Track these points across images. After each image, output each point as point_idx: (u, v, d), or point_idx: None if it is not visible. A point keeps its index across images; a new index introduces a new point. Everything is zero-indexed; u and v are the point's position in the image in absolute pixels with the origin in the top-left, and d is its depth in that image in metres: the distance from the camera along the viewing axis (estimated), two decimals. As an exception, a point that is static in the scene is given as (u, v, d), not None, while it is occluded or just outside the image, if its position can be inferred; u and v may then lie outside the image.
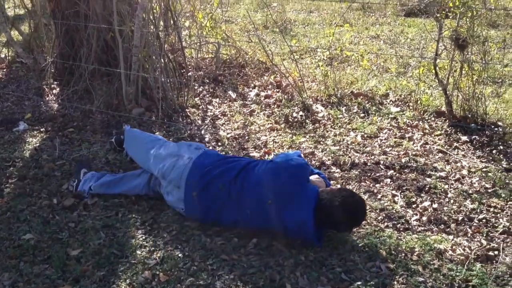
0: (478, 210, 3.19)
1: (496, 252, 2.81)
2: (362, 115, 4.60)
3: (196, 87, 5.24)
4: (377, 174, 3.62)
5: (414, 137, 4.17)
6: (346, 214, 2.76)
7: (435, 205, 3.24)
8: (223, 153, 3.90)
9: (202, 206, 2.97)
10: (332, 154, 3.89)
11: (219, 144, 4.12)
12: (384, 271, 2.66)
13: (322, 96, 4.96)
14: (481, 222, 3.08)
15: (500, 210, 3.19)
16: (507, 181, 3.49)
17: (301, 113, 4.62)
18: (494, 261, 2.75)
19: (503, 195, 3.33)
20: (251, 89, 5.30)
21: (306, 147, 4.04)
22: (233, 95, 5.14)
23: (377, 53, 6.42)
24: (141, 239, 2.94)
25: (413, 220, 3.11)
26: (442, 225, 3.06)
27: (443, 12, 4.18)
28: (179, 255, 2.79)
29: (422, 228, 3.04)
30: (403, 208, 3.23)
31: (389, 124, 4.40)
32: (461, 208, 3.21)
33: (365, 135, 4.22)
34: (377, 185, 3.50)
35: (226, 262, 2.73)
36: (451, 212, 3.17)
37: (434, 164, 3.74)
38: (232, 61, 5.89)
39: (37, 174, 3.64)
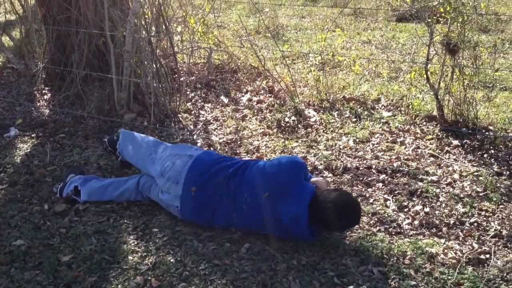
0: (470, 214, 3.20)
1: (487, 256, 2.82)
2: (354, 119, 4.61)
3: (188, 92, 5.24)
4: (369, 179, 3.63)
5: (406, 142, 4.19)
6: (339, 211, 2.77)
7: (426, 209, 3.25)
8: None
9: (199, 202, 2.98)
10: (325, 159, 3.90)
11: (212, 149, 4.11)
12: (376, 275, 2.66)
13: (314, 101, 4.98)
14: (472, 226, 3.09)
15: (491, 214, 3.21)
16: (498, 185, 3.51)
17: (293, 118, 4.63)
18: (486, 265, 2.76)
19: (494, 199, 3.34)
20: (243, 94, 5.31)
21: (299, 152, 4.04)
22: (226, 100, 5.14)
23: (369, 58, 6.44)
24: (133, 244, 2.93)
25: (405, 224, 3.12)
26: (434, 229, 3.07)
27: (434, 17, 4.20)
28: (171, 260, 2.78)
29: (414, 232, 3.04)
30: (395, 212, 3.24)
31: (381, 129, 4.41)
32: (452, 212, 3.22)
33: (357, 140, 4.23)
34: (369, 189, 3.50)
35: (219, 267, 2.72)
36: (442, 216, 3.18)
37: (426, 168, 3.75)
38: (224, 66, 5.89)
39: (28, 180, 3.62)
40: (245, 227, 2.98)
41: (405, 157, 3.92)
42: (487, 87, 5.27)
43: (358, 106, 4.87)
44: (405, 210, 3.27)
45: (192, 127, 4.57)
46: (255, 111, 4.86)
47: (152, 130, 4.43)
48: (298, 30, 8.20)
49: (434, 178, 3.62)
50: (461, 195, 3.40)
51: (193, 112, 4.88)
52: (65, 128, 4.50)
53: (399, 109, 4.82)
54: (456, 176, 3.65)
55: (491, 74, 5.44)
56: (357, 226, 3.03)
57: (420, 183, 3.55)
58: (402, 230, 3.06)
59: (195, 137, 4.35)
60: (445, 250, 2.85)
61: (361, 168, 3.77)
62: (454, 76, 4.25)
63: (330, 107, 4.84)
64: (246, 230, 2.99)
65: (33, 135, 4.38)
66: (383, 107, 4.90)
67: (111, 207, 3.28)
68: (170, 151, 3.24)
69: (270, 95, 5.23)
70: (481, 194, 3.41)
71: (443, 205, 3.30)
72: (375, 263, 2.74)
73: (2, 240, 2.95)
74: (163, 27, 4.95)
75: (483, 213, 3.22)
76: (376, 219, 3.16)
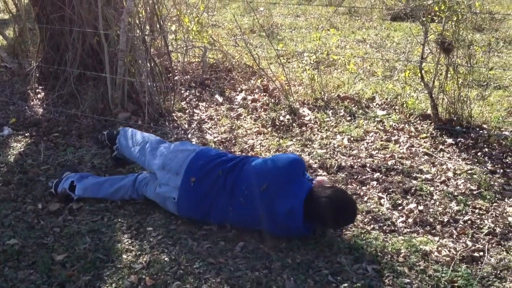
0: (464, 212, 3.21)
1: (481, 253, 2.83)
2: (348, 118, 4.62)
3: (182, 91, 5.23)
4: (364, 177, 3.63)
5: (400, 140, 4.19)
6: (334, 207, 2.78)
7: (420, 207, 3.25)
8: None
9: (197, 194, 2.99)
10: (319, 157, 3.90)
11: (206, 148, 4.11)
12: (371, 273, 2.66)
13: (309, 100, 4.98)
14: (466, 224, 3.10)
15: (485, 212, 3.22)
16: (491, 183, 3.52)
17: (288, 116, 4.63)
18: (479, 262, 2.76)
19: (488, 197, 3.35)
20: (238, 93, 5.30)
21: (293, 151, 4.04)
22: (220, 99, 5.13)
23: (364, 57, 6.45)
24: (127, 243, 2.92)
25: (399, 222, 3.13)
26: (428, 226, 3.08)
27: (429, 16, 4.21)
28: (166, 259, 2.78)
29: (408, 230, 3.05)
30: (389, 210, 3.25)
31: (375, 127, 4.42)
32: (446, 210, 3.23)
33: (352, 138, 4.24)
34: (364, 188, 3.51)
35: (213, 266, 2.72)
36: (436, 214, 3.19)
37: (420, 167, 3.76)
38: (218, 65, 5.89)
39: (21, 179, 3.61)
40: (240, 223, 2.97)
41: (399, 156, 3.92)
42: (481, 85, 5.29)
43: (353, 105, 4.87)
44: (399, 208, 3.28)
45: (186, 126, 4.57)
46: (250, 110, 4.86)
47: (147, 129, 4.42)
48: (293, 29, 8.20)
49: (428, 176, 3.62)
50: (455, 193, 3.41)
51: (187, 111, 4.88)
52: (59, 127, 4.49)
53: (393, 107, 4.82)
54: (450, 174, 3.66)
55: (485, 73, 5.45)
56: (351, 224, 3.03)
57: (414, 181, 3.56)
58: (396, 228, 3.06)
59: (189, 136, 4.35)
60: (439, 248, 2.86)
61: (355, 167, 3.77)
62: (449, 75, 4.26)
63: (325, 106, 4.85)
64: (241, 227, 2.99)
65: (26, 134, 4.37)
66: (377, 105, 4.90)
67: (105, 206, 3.27)
68: (174, 147, 3.26)
69: (264, 94, 5.22)
70: (475, 192, 3.42)
71: (437, 203, 3.31)
72: (370, 261, 2.75)
73: (-4, 240, 2.95)
74: (157, 26, 4.94)
75: (477, 211, 3.22)
76: (370, 217, 3.16)
